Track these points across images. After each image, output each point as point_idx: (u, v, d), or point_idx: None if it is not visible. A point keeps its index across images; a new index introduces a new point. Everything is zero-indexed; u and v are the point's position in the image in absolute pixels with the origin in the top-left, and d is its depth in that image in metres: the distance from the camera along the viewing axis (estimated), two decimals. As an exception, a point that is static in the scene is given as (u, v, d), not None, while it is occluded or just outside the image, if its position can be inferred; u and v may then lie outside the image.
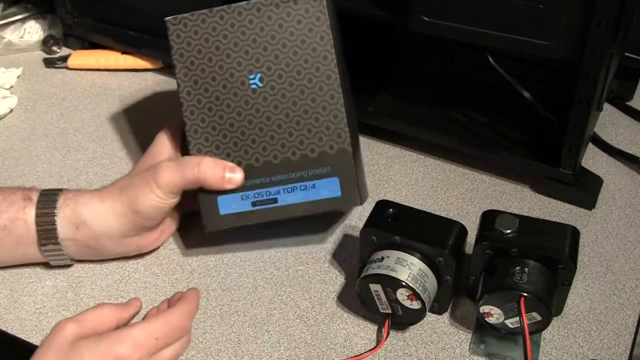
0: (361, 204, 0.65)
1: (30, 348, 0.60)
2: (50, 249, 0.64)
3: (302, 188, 0.64)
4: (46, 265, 0.68)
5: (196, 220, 0.67)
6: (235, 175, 0.64)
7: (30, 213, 0.63)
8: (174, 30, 0.64)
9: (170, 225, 0.70)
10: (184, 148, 0.67)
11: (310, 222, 0.72)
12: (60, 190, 0.65)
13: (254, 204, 0.65)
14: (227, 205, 0.65)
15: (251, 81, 0.63)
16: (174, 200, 0.64)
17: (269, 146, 0.64)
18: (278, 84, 0.63)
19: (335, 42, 0.63)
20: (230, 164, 0.64)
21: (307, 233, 0.72)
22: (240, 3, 0.63)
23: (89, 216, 0.63)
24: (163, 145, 0.67)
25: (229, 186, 0.64)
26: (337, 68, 0.63)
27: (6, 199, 0.63)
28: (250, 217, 0.65)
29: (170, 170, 0.63)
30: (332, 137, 0.63)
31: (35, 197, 0.64)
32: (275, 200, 0.64)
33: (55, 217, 0.63)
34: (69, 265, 0.67)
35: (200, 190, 0.64)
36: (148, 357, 0.55)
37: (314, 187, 0.64)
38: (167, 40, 0.64)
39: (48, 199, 0.63)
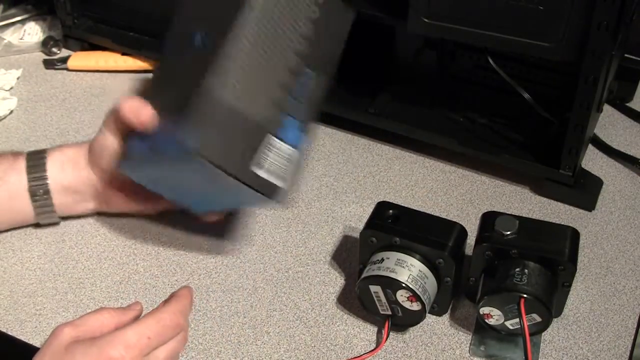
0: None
1: (30, 349, 0.60)
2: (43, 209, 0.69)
3: None
4: (46, 266, 0.68)
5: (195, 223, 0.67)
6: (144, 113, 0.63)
7: (22, 180, 0.67)
8: None
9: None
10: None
11: (310, 224, 0.72)
12: (45, 165, 0.67)
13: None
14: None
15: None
16: (112, 138, 0.66)
17: None
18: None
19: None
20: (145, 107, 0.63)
21: (307, 234, 0.72)
22: None
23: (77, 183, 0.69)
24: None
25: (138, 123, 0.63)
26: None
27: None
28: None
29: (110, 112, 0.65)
30: None
31: (22, 164, 0.68)
32: None
33: (50, 196, 0.68)
34: (68, 265, 0.68)
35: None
36: (141, 357, 0.55)
37: None
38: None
39: (38, 176, 0.67)
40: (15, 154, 0.68)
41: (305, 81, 0.64)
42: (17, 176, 0.67)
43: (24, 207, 0.68)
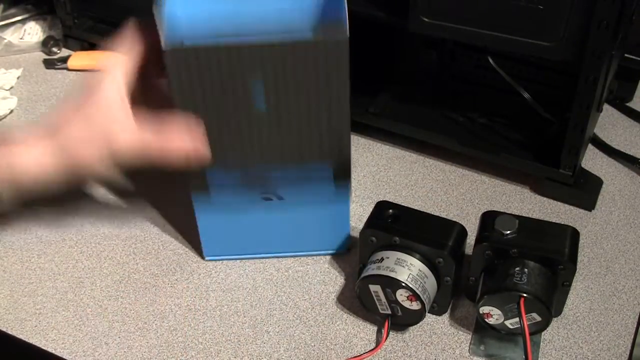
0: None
1: (30, 349, 0.60)
2: None
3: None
4: (46, 266, 0.68)
5: (195, 223, 0.67)
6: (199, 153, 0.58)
7: None
8: (173, 57, 0.56)
9: None
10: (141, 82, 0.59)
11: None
12: None
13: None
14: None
15: (256, 105, 0.60)
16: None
17: (267, 149, 0.62)
18: (285, 111, 0.60)
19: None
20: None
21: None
22: (253, 40, 0.55)
23: (27, 179, 0.57)
24: (115, 91, 0.56)
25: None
26: (348, 106, 0.60)
27: None
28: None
29: (129, 148, 0.55)
30: (334, 151, 0.62)
31: None
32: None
33: None
34: (68, 265, 0.68)
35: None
36: None
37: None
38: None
39: None
40: None
41: None
42: None
43: None
